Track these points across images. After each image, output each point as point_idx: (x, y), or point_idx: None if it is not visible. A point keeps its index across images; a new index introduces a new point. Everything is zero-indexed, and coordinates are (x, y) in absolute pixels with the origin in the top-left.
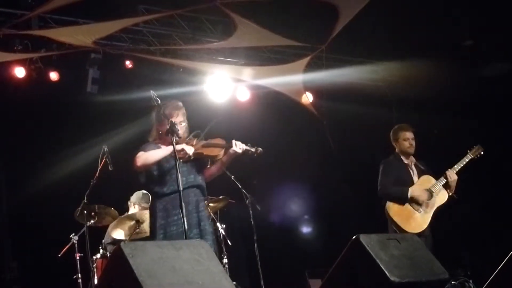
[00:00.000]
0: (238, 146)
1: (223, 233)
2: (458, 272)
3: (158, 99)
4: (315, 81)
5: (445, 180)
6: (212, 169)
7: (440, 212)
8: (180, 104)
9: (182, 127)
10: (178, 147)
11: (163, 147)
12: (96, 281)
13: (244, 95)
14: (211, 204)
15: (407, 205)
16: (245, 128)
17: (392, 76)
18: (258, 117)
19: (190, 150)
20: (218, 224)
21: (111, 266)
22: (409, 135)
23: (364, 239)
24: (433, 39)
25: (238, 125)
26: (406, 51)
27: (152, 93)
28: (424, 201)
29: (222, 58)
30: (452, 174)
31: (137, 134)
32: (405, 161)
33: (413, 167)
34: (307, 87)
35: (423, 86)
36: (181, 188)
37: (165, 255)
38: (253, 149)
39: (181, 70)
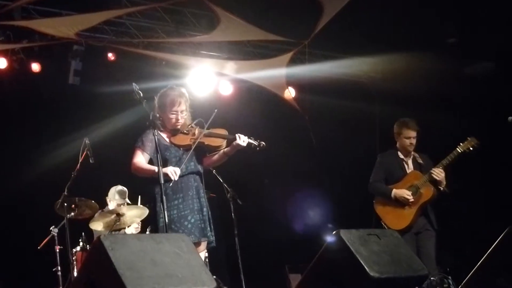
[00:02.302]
0: (242, 139)
1: None
2: (437, 268)
3: (140, 92)
4: (298, 76)
5: (431, 178)
6: (214, 158)
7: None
8: (183, 91)
9: (183, 116)
10: (164, 170)
11: (165, 135)
12: (75, 274)
13: (226, 89)
14: None
15: (392, 202)
16: (227, 122)
17: (375, 72)
18: (240, 111)
19: (175, 175)
20: None
21: (90, 259)
22: (412, 134)
23: (344, 234)
24: (416, 34)
25: (220, 119)
26: (388, 46)
27: (135, 85)
28: (407, 199)
29: (205, 52)
30: (437, 172)
31: (119, 126)
32: (401, 156)
33: (410, 162)
34: (290, 82)
35: (406, 81)
36: (162, 181)
37: (145, 248)
38: (256, 143)
39: (163, 63)
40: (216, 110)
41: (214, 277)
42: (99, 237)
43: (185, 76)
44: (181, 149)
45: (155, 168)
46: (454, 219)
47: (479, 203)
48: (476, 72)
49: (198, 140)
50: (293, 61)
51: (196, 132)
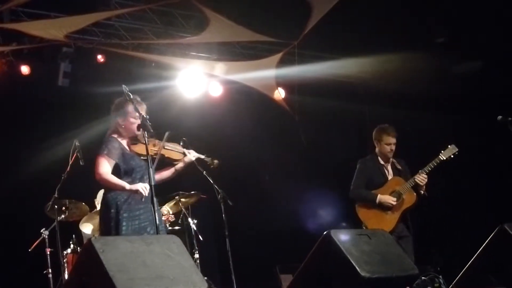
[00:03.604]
0: (192, 155)
1: (195, 228)
2: (427, 268)
3: (130, 93)
4: (287, 77)
5: (414, 183)
6: (165, 173)
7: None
8: (139, 100)
9: None
10: (134, 187)
11: (125, 143)
12: (66, 276)
13: (216, 90)
14: (182, 199)
15: (375, 207)
16: (217, 123)
17: (364, 72)
18: (230, 113)
19: (145, 191)
20: (189, 219)
21: (81, 261)
22: (392, 140)
23: (335, 234)
24: (405, 35)
25: (210, 120)
26: (378, 47)
27: (124, 87)
28: (391, 204)
29: (195, 53)
30: (421, 178)
31: (108, 128)
32: (381, 162)
33: (389, 167)
34: (280, 83)
35: (394, 81)
36: (153, 183)
37: (136, 250)
38: (208, 159)
39: (153, 64)
40: (168, 132)
41: (205, 278)
42: (89, 239)
43: (175, 77)
44: (142, 158)
45: (125, 185)
46: (444, 218)
47: (469, 202)
48: (465, 71)
49: (160, 152)
50: (282, 62)
51: (156, 143)
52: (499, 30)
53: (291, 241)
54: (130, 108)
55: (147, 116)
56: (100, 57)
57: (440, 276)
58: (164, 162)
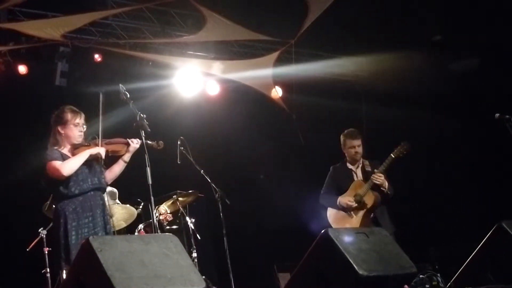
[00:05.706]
0: (135, 142)
1: (193, 227)
2: (425, 266)
3: (127, 92)
4: (285, 75)
5: (373, 183)
6: (115, 169)
7: (405, 207)
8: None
9: (83, 129)
10: (94, 151)
11: (66, 151)
12: (64, 275)
13: (213, 89)
14: (180, 198)
15: (341, 211)
16: (214, 122)
17: (361, 71)
18: (227, 111)
19: (102, 151)
20: (187, 218)
21: (79, 260)
22: (355, 142)
23: (332, 233)
24: (402, 33)
25: (208, 119)
26: (374, 45)
27: (121, 86)
28: (350, 206)
29: (192, 52)
30: (376, 177)
31: (106, 127)
32: (350, 167)
33: (358, 171)
34: (277, 82)
35: (391, 80)
36: (150, 182)
37: (134, 249)
38: (153, 143)
39: (150, 63)
40: (97, 136)
41: (203, 277)
42: (87, 239)
43: (172, 76)
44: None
45: (84, 154)
46: (442, 216)
47: (467, 200)
48: (462, 68)
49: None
50: (279, 61)
51: (97, 142)
52: (496, 28)
53: (288, 240)
54: (69, 115)
55: (144, 115)
56: (97, 57)
57: (438, 274)
58: (113, 158)
